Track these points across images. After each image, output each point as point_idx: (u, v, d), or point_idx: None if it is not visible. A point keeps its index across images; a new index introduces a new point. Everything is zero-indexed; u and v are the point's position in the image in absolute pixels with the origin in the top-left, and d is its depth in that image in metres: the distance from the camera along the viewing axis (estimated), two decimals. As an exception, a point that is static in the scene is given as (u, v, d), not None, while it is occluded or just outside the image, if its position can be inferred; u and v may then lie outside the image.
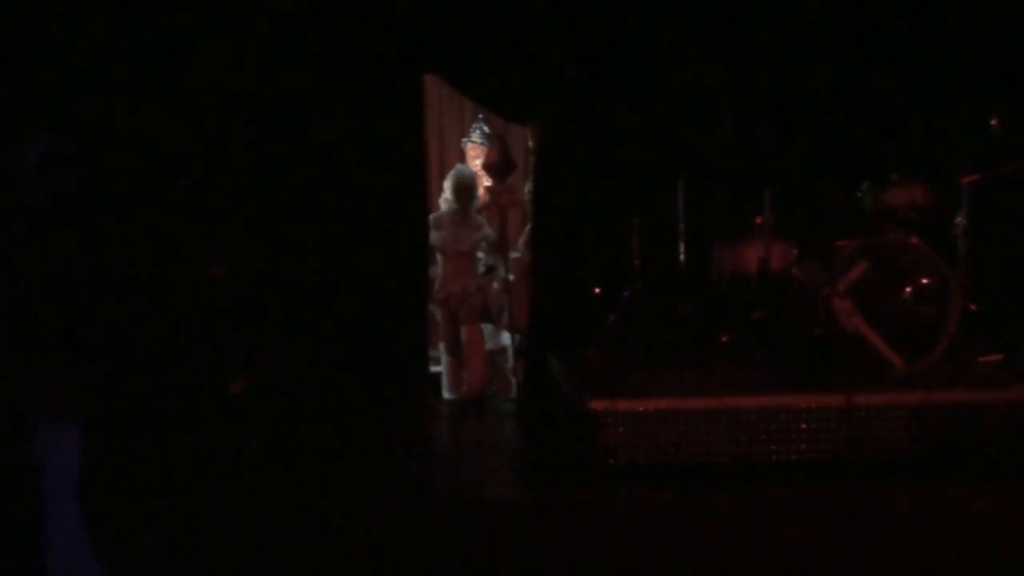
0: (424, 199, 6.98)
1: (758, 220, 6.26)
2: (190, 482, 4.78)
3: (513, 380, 7.07)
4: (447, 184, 7.28)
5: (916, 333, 5.60)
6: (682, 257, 6.33)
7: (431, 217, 7.04)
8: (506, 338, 7.23)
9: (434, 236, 7.04)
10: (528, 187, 7.32)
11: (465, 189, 7.15)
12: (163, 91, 6.33)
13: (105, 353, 5.35)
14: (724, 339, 6.16)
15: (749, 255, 6.36)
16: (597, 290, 6.61)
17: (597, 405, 4.88)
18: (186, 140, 6.37)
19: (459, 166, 7.50)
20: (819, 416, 4.90)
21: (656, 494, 4.59)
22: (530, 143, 7.39)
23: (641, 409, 4.87)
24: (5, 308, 2.85)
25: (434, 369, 7.23)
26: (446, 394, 7.14)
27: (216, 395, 5.91)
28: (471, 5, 6.64)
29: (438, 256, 7.18)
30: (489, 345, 7.19)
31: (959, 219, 6.03)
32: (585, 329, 6.36)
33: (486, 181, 7.21)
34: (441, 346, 7.22)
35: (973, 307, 5.95)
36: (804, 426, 4.90)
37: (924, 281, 5.62)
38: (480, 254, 7.34)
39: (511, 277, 7.10)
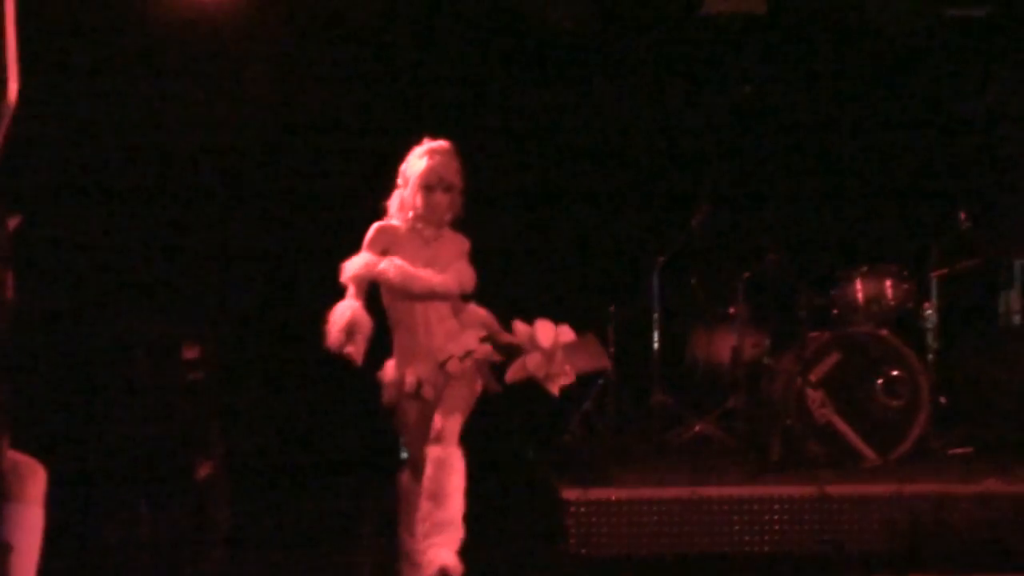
0: None
1: (732, 310, 6.31)
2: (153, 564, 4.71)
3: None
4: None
5: (887, 425, 5.64)
6: (657, 346, 6.36)
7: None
8: None
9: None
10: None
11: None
12: (133, 165, 6.35)
13: (73, 435, 5.30)
14: (697, 428, 6.18)
15: (723, 344, 6.41)
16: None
17: (569, 494, 4.86)
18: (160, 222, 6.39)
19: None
20: (791, 507, 4.89)
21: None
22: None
23: (613, 498, 4.85)
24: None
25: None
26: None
27: (184, 477, 5.85)
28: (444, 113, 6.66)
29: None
30: None
31: (928, 312, 6.10)
32: (559, 416, 6.36)
33: None
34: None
35: (943, 400, 6.00)
36: (776, 517, 4.89)
37: (895, 374, 5.69)
38: None
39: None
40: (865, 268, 6.03)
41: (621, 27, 6.67)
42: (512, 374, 4.09)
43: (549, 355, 4.05)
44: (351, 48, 6.58)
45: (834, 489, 4.94)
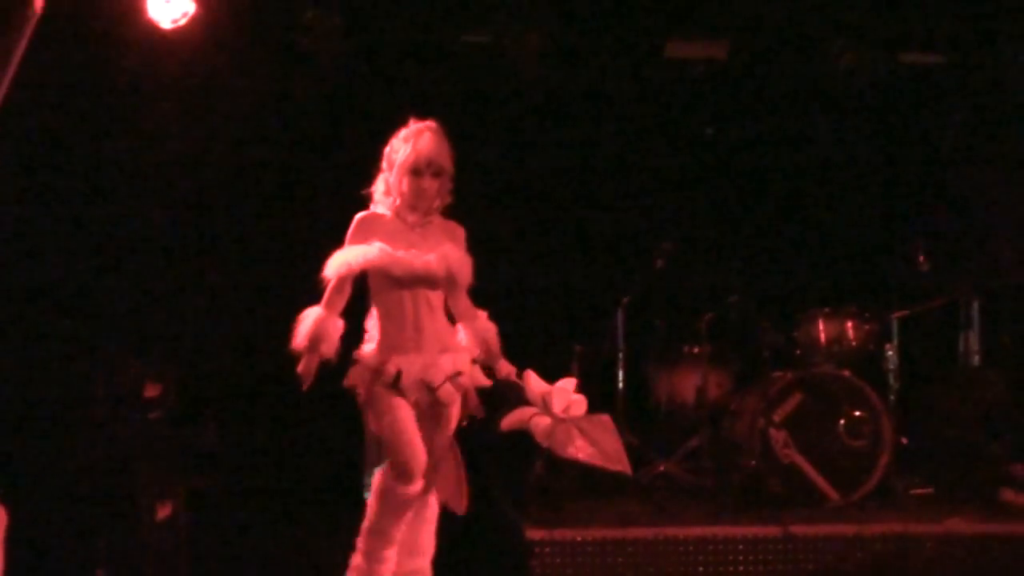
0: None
1: (696, 350, 6.35)
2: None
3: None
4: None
5: (850, 465, 5.68)
6: (621, 385, 6.38)
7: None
8: None
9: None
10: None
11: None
12: (94, 199, 6.30)
13: (32, 477, 5.22)
14: (662, 468, 6.18)
15: (687, 384, 6.43)
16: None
17: (534, 534, 4.85)
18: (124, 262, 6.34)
19: None
20: (755, 547, 4.90)
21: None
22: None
23: (579, 539, 4.84)
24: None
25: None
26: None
27: (143, 518, 5.77)
28: None
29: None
30: None
31: (889, 353, 6.16)
32: (524, 456, 6.34)
33: None
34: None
35: (905, 440, 6.05)
36: (741, 557, 4.90)
37: (857, 414, 5.74)
38: None
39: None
40: (827, 309, 6.10)
41: (585, 69, 6.74)
42: (509, 424, 3.89)
43: (558, 422, 3.83)
44: (315, 82, 6.58)
45: (798, 529, 4.96)
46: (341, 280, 3.89)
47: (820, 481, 5.62)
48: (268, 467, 6.50)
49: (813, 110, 6.98)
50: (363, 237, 3.88)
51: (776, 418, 5.71)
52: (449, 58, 6.48)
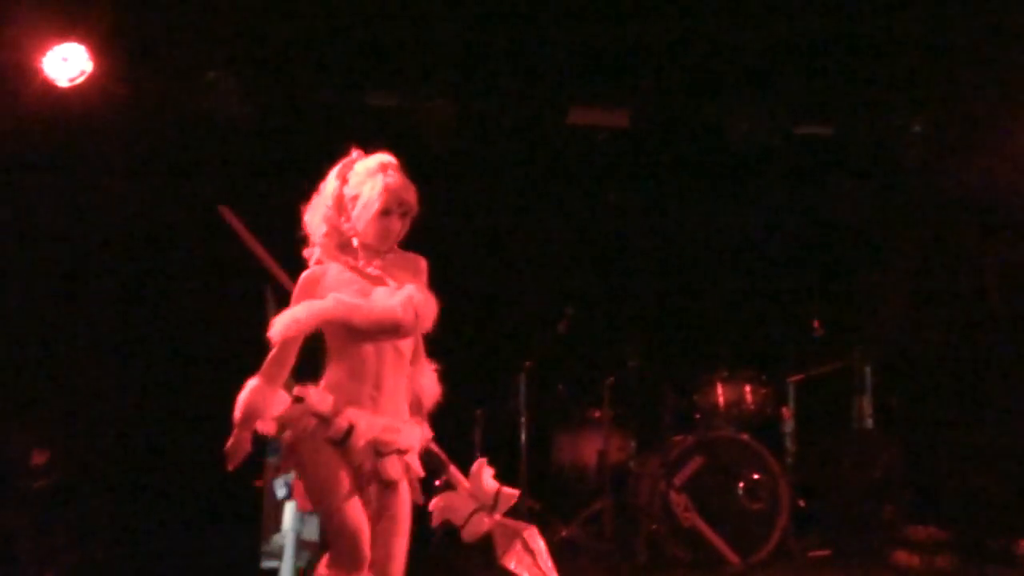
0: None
1: (597, 414, 6.37)
2: None
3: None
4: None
5: (749, 528, 5.73)
6: (523, 450, 6.36)
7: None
8: None
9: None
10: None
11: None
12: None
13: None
14: (564, 533, 6.16)
15: (589, 448, 6.44)
16: (438, 482, 6.54)
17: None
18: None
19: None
20: (657, 611, 4.90)
21: None
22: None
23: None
24: None
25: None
26: None
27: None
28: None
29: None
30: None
31: (786, 417, 6.27)
32: (425, 523, 6.26)
33: None
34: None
35: (802, 503, 6.14)
36: (642, 622, 4.89)
37: (755, 477, 5.81)
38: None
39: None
40: (725, 373, 6.20)
41: (488, 133, 6.79)
42: (470, 535, 3.49)
43: (500, 526, 3.52)
44: (217, 143, 6.51)
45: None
46: (286, 344, 3.37)
47: (720, 544, 5.66)
48: (159, 538, 6.29)
49: (712, 178, 7.13)
50: (311, 295, 3.39)
51: (677, 482, 5.76)
52: (353, 120, 6.48)
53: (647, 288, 7.13)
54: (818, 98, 6.70)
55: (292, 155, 6.25)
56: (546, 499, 6.31)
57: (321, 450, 3.29)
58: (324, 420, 3.29)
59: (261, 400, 3.35)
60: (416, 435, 3.47)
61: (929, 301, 6.92)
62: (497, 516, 3.51)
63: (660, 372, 6.37)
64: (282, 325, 3.32)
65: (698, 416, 6.22)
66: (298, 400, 3.34)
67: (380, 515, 3.37)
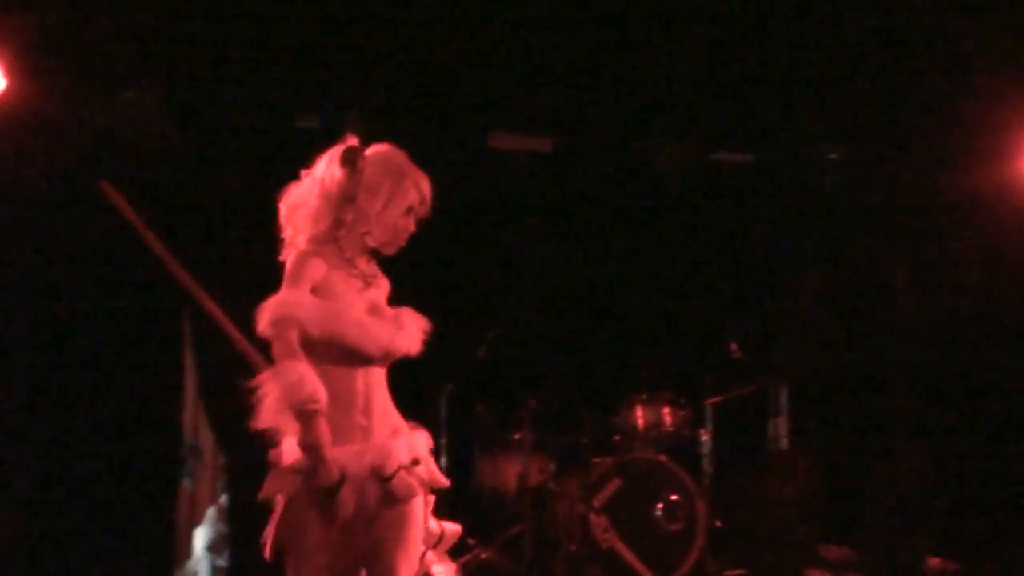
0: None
1: (517, 436, 6.39)
2: None
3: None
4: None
5: (667, 549, 5.79)
6: (443, 472, 6.34)
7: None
8: None
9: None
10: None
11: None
12: None
13: None
14: (484, 556, 6.16)
15: (509, 471, 6.46)
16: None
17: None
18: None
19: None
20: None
21: None
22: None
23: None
24: None
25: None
26: None
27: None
28: None
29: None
30: None
31: (704, 438, 6.35)
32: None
33: None
34: None
35: (719, 523, 6.21)
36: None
37: (673, 498, 5.87)
38: None
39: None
40: (644, 395, 6.26)
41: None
42: None
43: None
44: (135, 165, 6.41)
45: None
46: (294, 331, 2.87)
47: (638, 565, 5.70)
48: (66, 562, 6.13)
49: (634, 203, 7.20)
50: (310, 285, 2.95)
51: (596, 504, 5.79)
52: (279, 142, 6.43)
53: (567, 311, 7.17)
54: (738, 126, 6.81)
55: (212, 177, 6.19)
56: (466, 522, 6.29)
57: (305, 513, 2.92)
58: (309, 475, 2.87)
59: (319, 389, 2.82)
60: (422, 442, 3.17)
61: (843, 323, 7.07)
62: (434, 554, 3.33)
63: (580, 395, 6.42)
64: (281, 320, 2.86)
65: (617, 438, 6.26)
66: (274, 467, 2.98)
67: (379, 521, 2.98)
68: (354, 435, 2.97)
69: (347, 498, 2.87)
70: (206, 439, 6.30)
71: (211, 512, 6.20)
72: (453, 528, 3.37)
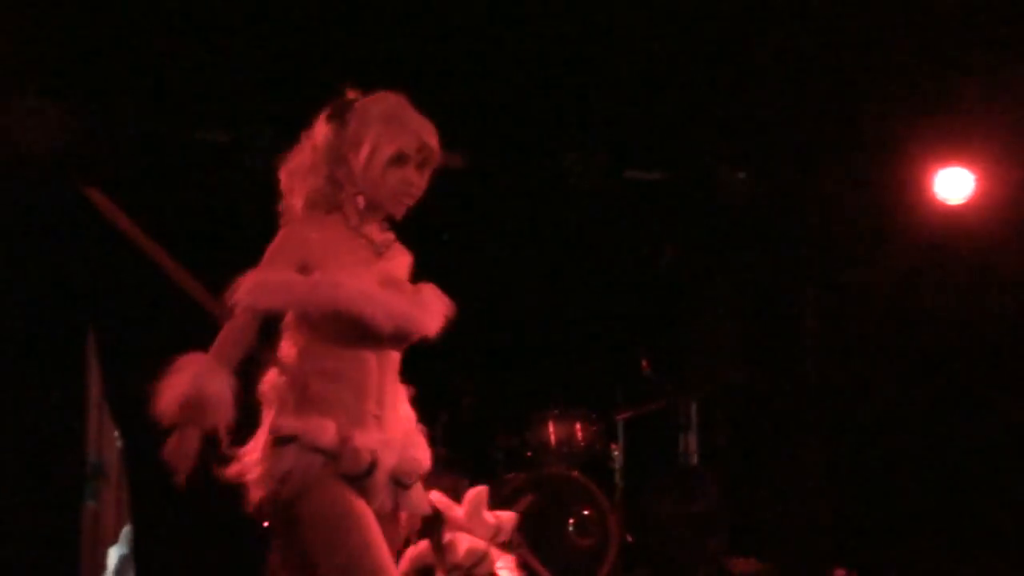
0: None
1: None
2: None
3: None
4: None
5: (579, 564, 5.80)
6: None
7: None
8: None
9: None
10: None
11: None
12: None
13: None
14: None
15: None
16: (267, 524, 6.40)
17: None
18: None
19: None
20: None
21: None
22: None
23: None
24: None
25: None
26: None
27: None
28: None
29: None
30: None
31: (615, 453, 6.38)
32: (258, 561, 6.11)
33: None
34: None
35: (630, 538, 6.25)
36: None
37: (585, 513, 5.89)
38: None
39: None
40: (556, 411, 6.27)
41: None
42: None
43: None
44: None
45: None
46: (252, 319, 2.55)
47: (550, 581, 5.70)
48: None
49: (547, 220, 7.23)
50: (294, 265, 2.57)
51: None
52: (182, 155, 6.33)
53: (479, 327, 7.15)
54: (649, 144, 6.89)
55: (114, 190, 6.05)
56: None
57: (339, 497, 2.50)
58: (332, 456, 2.52)
59: (216, 384, 2.48)
60: (427, 451, 2.83)
61: (751, 340, 7.17)
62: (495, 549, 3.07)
63: (492, 411, 6.41)
64: (260, 292, 2.54)
65: (529, 454, 6.27)
66: (286, 440, 2.54)
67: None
68: (368, 424, 2.61)
69: (379, 486, 2.54)
70: (110, 458, 6.15)
71: (126, 531, 6.06)
72: (508, 516, 3.25)
